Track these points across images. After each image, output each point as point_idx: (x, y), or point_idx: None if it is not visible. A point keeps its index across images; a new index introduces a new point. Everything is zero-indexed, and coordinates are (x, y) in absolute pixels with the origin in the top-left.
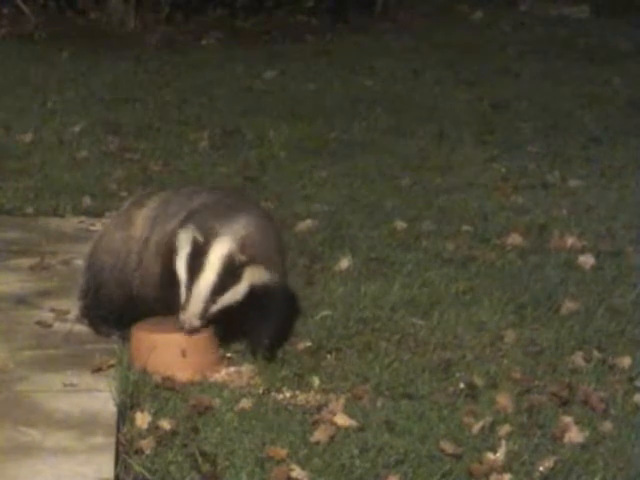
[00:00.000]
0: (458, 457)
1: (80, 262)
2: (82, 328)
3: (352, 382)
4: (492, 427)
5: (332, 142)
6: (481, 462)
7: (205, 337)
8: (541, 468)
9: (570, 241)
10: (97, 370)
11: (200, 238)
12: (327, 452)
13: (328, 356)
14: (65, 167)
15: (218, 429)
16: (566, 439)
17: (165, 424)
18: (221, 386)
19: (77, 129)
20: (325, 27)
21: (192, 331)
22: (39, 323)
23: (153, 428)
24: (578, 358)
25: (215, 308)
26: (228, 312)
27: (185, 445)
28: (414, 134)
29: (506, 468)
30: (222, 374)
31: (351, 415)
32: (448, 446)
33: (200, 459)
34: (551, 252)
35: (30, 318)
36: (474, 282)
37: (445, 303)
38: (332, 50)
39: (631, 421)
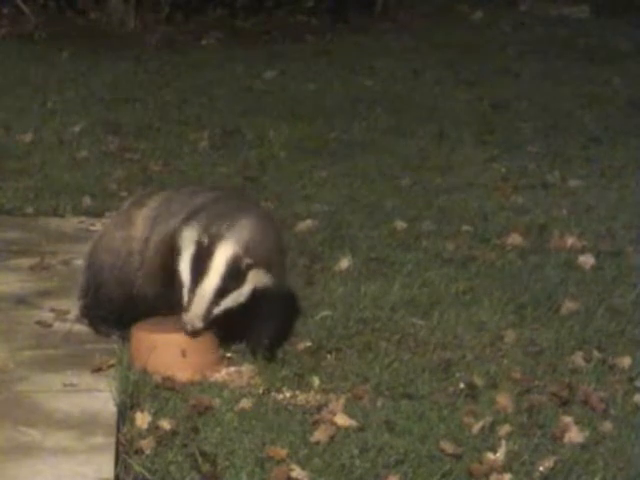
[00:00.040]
0: (458, 457)
1: (80, 262)
2: (82, 328)
3: (352, 382)
4: (492, 427)
5: (332, 142)
6: (481, 462)
7: (205, 337)
8: (541, 468)
9: (570, 241)
10: (97, 370)
11: (204, 239)
12: (327, 452)
13: (328, 356)
14: (65, 167)
15: (218, 429)
16: (566, 439)
17: (165, 424)
18: (221, 386)
19: (77, 129)
20: (325, 27)
21: (194, 333)
22: (39, 323)
23: (153, 428)
24: (578, 358)
25: (218, 310)
26: (229, 313)
27: (185, 445)
28: (414, 134)
29: (506, 468)
30: (222, 374)
31: (351, 415)
32: (448, 446)
33: (200, 459)
34: (551, 252)
35: (30, 318)
36: (474, 282)
37: (445, 303)
38: (332, 50)
39: (631, 421)
